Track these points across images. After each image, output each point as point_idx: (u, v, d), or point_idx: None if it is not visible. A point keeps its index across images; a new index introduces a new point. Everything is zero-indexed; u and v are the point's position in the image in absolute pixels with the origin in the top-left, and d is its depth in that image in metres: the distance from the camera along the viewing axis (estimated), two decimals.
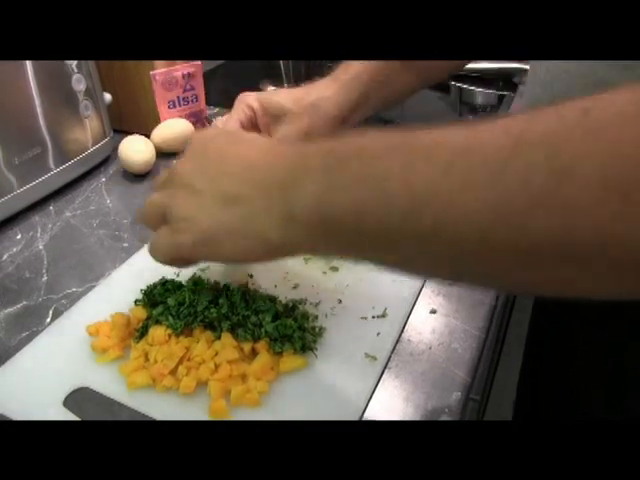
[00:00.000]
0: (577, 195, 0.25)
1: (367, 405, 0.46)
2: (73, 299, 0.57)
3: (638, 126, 0.24)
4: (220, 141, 0.43)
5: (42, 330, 0.53)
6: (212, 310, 0.49)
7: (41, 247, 0.65)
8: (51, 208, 0.72)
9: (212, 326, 0.50)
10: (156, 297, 0.52)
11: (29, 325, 0.54)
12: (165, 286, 0.53)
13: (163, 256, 0.43)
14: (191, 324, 0.49)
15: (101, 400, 0.47)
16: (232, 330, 0.49)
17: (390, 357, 0.50)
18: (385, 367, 0.49)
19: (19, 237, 0.67)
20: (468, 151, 0.29)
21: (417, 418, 0.45)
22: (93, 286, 0.58)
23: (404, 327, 0.53)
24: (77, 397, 0.47)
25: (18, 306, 0.57)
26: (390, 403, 0.46)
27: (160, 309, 0.51)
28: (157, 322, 0.50)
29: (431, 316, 0.54)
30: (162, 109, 0.81)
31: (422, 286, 0.57)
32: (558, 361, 0.66)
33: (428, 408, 0.46)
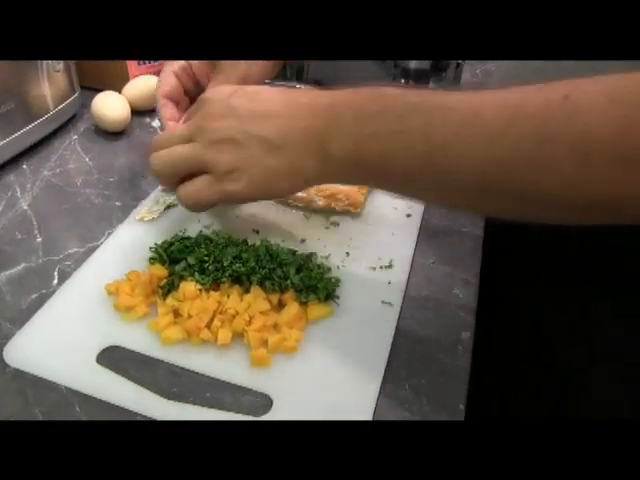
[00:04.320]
0: (553, 155, 0.35)
1: (392, 346, 0.50)
2: (77, 260, 0.56)
3: (603, 116, 0.34)
4: (241, 98, 0.49)
5: (52, 291, 0.52)
6: (238, 265, 0.51)
7: (25, 207, 0.62)
8: (25, 167, 0.68)
9: (238, 280, 0.51)
10: (175, 254, 0.53)
11: (36, 287, 0.53)
12: (183, 242, 0.53)
13: (205, 201, 0.50)
14: (219, 279, 0.50)
15: (135, 357, 0.47)
16: (259, 283, 0.51)
17: (403, 303, 0.54)
18: (400, 312, 0.53)
19: None
20: (475, 117, 0.39)
21: (437, 357, 0.50)
22: (95, 246, 0.57)
23: (409, 276, 0.57)
24: (109, 355, 0.47)
25: (18, 268, 0.55)
26: (410, 344, 0.51)
27: (183, 265, 0.51)
28: (181, 278, 0.51)
29: (431, 266, 0.59)
30: (131, 65, 0.79)
31: (418, 239, 0.62)
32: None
33: (444, 346, 0.51)
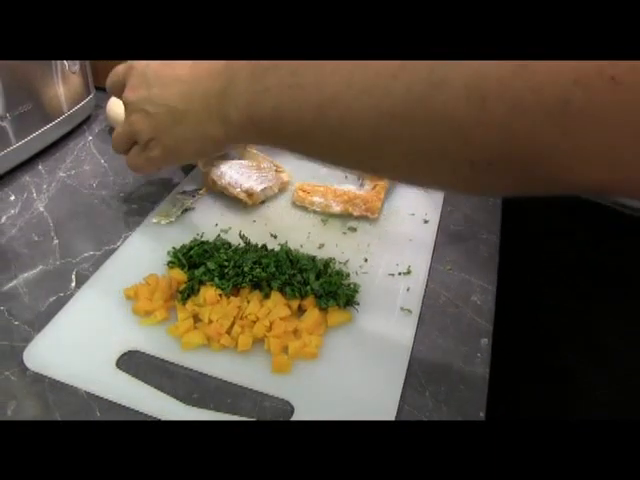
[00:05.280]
0: (447, 101, 0.32)
1: (411, 353, 0.49)
2: (94, 262, 0.56)
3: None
4: (155, 66, 0.51)
5: (70, 295, 0.52)
6: (258, 270, 0.50)
7: (42, 209, 0.62)
8: (40, 167, 0.68)
9: (258, 285, 0.51)
10: (194, 258, 0.52)
11: (54, 290, 0.53)
12: (202, 247, 0.53)
13: (140, 168, 0.56)
14: (239, 284, 0.50)
15: (154, 362, 0.47)
16: (279, 289, 0.50)
17: (421, 310, 0.54)
18: (419, 318, 0.53)
19: (13, 198, 0.63)
20: (366, 66, 0.36)
21: (456, 364, 0.50)
22: (112, 249, 0.57)
23: (427, 283, 0.57)
24: (129, 360, 0.47)
25: (35, 270, 0.55)
26: (429, 351, 0.50)
27: (202, 270, 0.51)
28: (200, 283, 0.51)
29: (448, 272, 0.59)
30: None
31: (434, 245, 0.61)
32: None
33: (463, 353, 0.50)
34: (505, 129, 0.31)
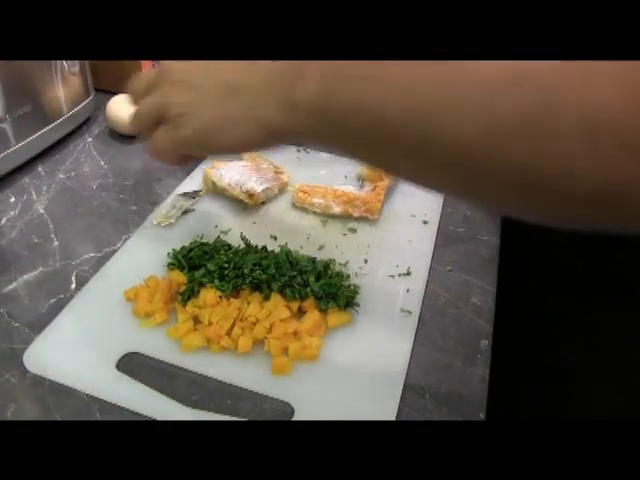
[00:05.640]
0: (557, 129, 0.29)
1: (411, 355, 0.50)
2: (94, 264, 0.56)
3: (622, 90, 0.28)
4: None
5: (70, 296, 0.52)
6: (258, 272, 0.51)
7: (42, 211, 0.62)
8: (40, 169, 0.68)
9: (258, 287, 0.51)
10: (194, 260, 0.52)
11: (54, 291, 0.53)
12: (202, 248, 0.53)
13: (164, 153, 0.46)
14: (239, 286, 0.50)
15: (154, 364, 0.47)
16: (280, 290, 0.50)
17: (421, 311, 0.54)
18: (419, 319, 0.53)
19: (13, 200, 0.63)
20: (472, 74, 0.32)
21: (456, 365, 0.50)
22: (112, 251, 0.57)
23: (427, 284, 0.57)
24: (129, 362, 0.47)
25: (35, 272, 0.55)
26: (429, 352, 0.50)
27: (202, 272, 0.51)
28: (200, 285, 0.51)
29: (448, 273, 0.59)
30: (146, 68, 0.78)
31: (434, 246, 0.62)
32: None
33: (463, 354, 0.50)
34: (612, 165, 0.29)
